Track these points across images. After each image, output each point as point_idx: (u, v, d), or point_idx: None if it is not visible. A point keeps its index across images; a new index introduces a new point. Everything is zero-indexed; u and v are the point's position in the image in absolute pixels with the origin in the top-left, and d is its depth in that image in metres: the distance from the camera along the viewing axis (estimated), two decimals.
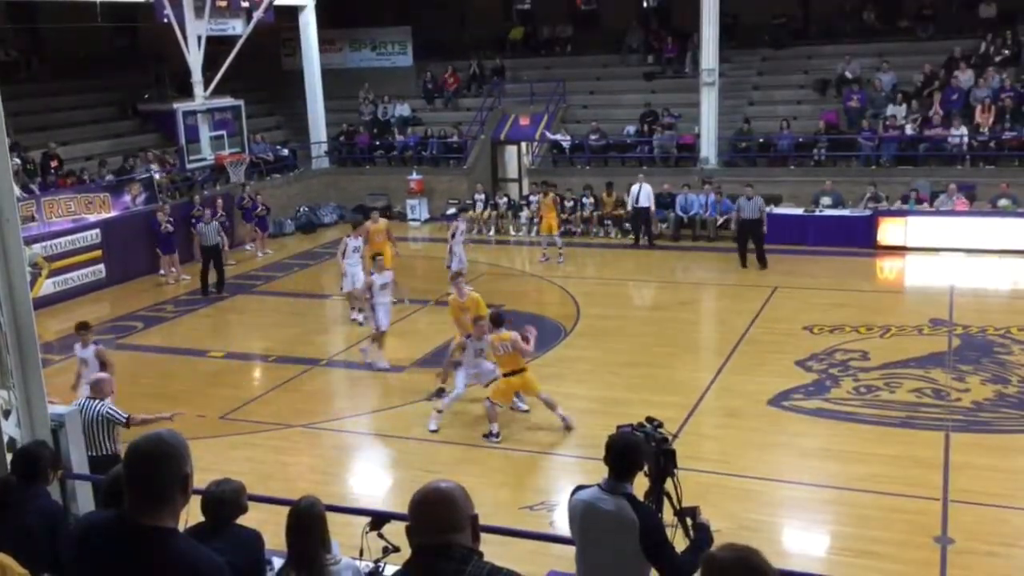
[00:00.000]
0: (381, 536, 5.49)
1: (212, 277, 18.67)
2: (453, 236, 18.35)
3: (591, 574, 5.22)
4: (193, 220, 21.04)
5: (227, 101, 22.36)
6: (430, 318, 16.72)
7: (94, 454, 8.42)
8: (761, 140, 23.66)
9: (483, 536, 3.16)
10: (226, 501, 5.11)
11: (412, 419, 12.25)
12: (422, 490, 3.09)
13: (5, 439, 6.38)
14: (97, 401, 8.84)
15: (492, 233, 23.87)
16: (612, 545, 5.00)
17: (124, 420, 8.82)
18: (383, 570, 5.52)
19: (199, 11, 20.75)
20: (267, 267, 21.35)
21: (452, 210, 24.73)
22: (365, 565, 5.50)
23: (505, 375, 11.47)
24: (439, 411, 11.88)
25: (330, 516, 5.16)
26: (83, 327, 11.35)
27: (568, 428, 11.36)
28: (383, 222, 18.09)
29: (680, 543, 5.10)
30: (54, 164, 21.08)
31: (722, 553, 2.91)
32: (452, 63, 28.57)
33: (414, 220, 25.52)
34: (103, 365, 11.03)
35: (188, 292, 18.96)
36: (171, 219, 20.04)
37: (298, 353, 15.00)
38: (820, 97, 24.48)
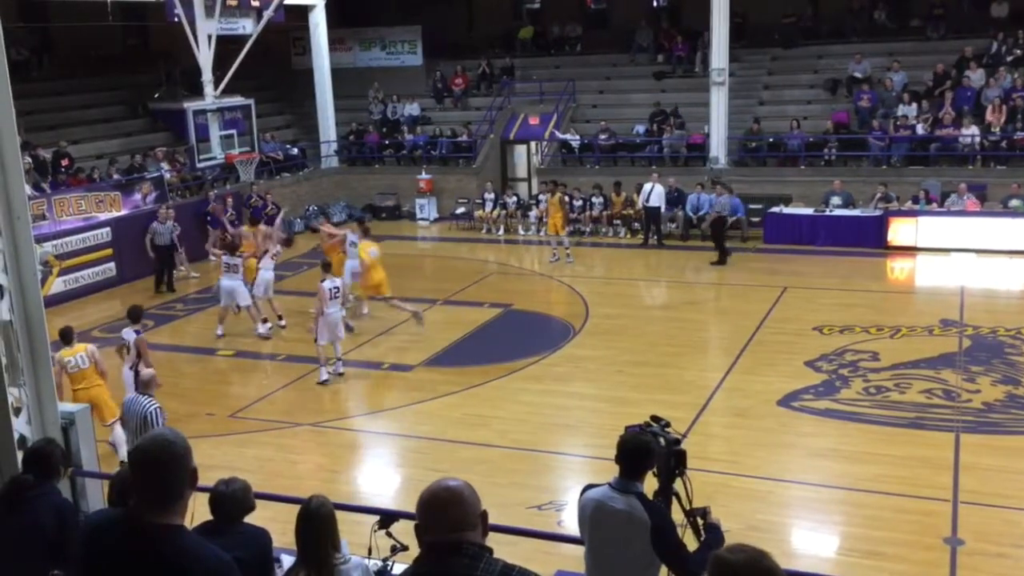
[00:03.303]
0: (390, 535, 5.50)
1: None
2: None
3: (601, 573, 5.22)
4: (207, 217, 21.15)
5: (237, 100, 22.44)
6: (437, 317, 16.73)
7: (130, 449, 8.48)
8: (771, 140, 23.59)
9: (491, 535, 3.16)
10: (234, 499, 5.13)
11: (420, 418, 12.27)
12: (431, 488, 3.09)
13: (16, 436, 6.41)
14: (147, 398, 8.85)
15: (501, 232, 23.87)
16: (622, 544, 5.00)
17: None
18: (392, 568, 5.53)
19: (210, 10, 20.84)
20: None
21: (461, 209, 24.79)
22: (374, 564, 5.51)
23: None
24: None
25: (339, 515, 5.17)
26: (136, 311, 11.64)
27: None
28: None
29: (690, 543, 5.10)
30: (65, 163, 21.15)
31: (732, 555, 2.90)
32: (461, 62, 28.59)
33: (423, 219, 25.53)
34: (138, 354, 11.22)
35: (197, 291, 19.01)
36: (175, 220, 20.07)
37: (307, 352, 15.00)
38: (830, 97, 24.41)
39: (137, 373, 10.88)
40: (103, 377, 10.89)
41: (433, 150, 26.61)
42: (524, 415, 12.11)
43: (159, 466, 3.08)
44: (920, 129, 22.17)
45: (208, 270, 19.80)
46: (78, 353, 10.60)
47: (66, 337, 10.78)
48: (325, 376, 13.44)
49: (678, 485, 5.26)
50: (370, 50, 29.52)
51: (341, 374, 13.66)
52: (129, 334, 11.39)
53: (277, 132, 27.36)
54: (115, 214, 19.98)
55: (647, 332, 15.53)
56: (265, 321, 16.01)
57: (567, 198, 21.82)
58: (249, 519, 5.19)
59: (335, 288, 13.47)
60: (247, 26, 22.37)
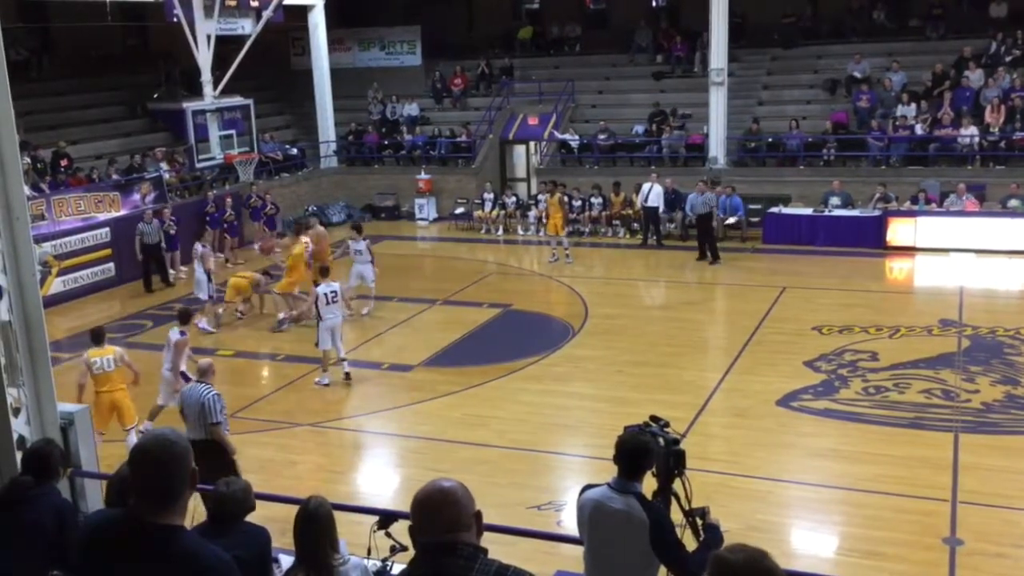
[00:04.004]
0: (389, 535, 5.50)
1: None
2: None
3: (599, 573, 5.22)
4: (207, 217, 21.19)
5: (236, 100, 22.42)
6: (437, 317, 16.75)
7: (192, 437, 8.57)
8: (770, 140, 23.59)
9: (491, 536, 3.16)
10: (235, 500, 5.13)
11: (420, 418, 12.27)
12: (425, 489, 3.09)
13: (15, 437, 6.41)
14: (204, 386, 8.93)
15: (500, 232, 23.88)
16: (621, 544, 5.00)
17: (215, 421, 8.79)
18: (391, 569, 5.53)
19: (209, 10, 20.81)
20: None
21: (460, 210, 24.78)
22: (373, 564, 5.51)
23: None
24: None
25: (338, 515, 5.18)
26: (186, 313, 12.14)
27: None
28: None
29: (689, 543, 5.10)
30: (64, 163, 21.15)
31: (732, 555, 2.90)
32: (461, 62, 28.59)
33: (422, 220, 25.51)
34: (177, 349, 11.48)
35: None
36: (174, 218, 20.10)
37: (306, 352, 15.02)
38: (830, 97, 24.42)
39: (184, 374, 11.25)
40: (135, 379, 11.01)
41: (432, 150, 26.61)
42: (523, 415, 12.11)
43: (160, 466, 3.08)
44: (919, 129, 22.18)
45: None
46: (106, 355, 10.65)
47: (96, 338, 10.87)
48: (326, 380, 13.43)
49: (677, 485, 5.25)
50: (369, 50, 29.52)
51: (347, 374, 13.49)
52: (174, 334, 11.58)
53: (276, 132, 27.36)
54: (114, 214, 19.99)
55: (646, 332, 15.54)
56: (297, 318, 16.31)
57: (566, 198, 21.81)
58: (249, 519, 5.20)
59: (332, 293, 13.30)
60: (246, 26, 22.36)
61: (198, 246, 16.58)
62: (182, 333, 11.63)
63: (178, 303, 18.20)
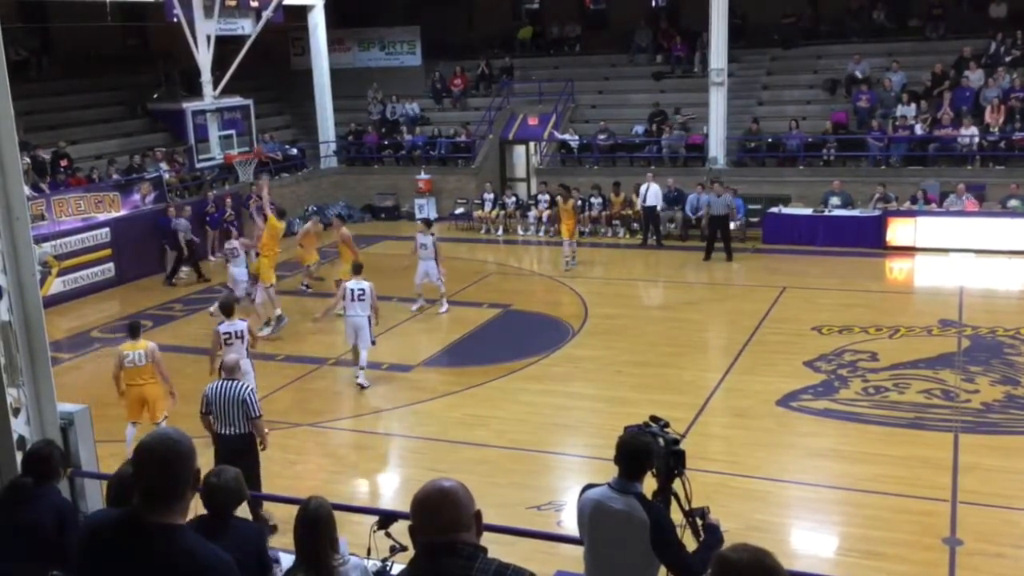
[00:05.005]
0: (388, 535, 5.50)
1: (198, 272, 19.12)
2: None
3: (600, 574, 5.22)
4: (207, 217, 21.21)
5: (236, 100, 22.42)
6: (437, 317, 16.73)
7: (227, 433, 8.78)
8: (770, 140, 23.60)
9: (491, 536, 3.16)
10: (227, 490, 5.09)
11: (420, 418, 12.28)
12: (424, 489, 3.09)
13: (15, 437, 6.41)
14: (236, 382, 8.99)
15: (500, 233, 23.87)
16: (622, 544, 5.00)
17: (258, 415, 8.90)
18: (391, 569, 5.54)
19: (209, 11, 20.82)
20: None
21: (460, 210, 24.75)
22: (373, 564, 5.51)
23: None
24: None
25: (338, 515, 5.17)
26: (229, 302, 12.09)
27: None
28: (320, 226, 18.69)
29: (689, 543, 5.10)
30: (64, 163, 21.15)
31: (735, 554, 2.90)
32: (460, 63, 28.59)
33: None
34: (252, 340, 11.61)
35: (197, 291, 19.00)
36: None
37: (306, 352, 15.04)
38: (830, 97, 24.42)
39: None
40: (165, 381, 10.97)
41: (432, 150, 26.62)
42: (523, 415, 12.11)
43: (164, 465, 3.09)
44: (919, 129, 22.19)
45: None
46: (137, 350, 10.73)
47: (132, 331, 10.96)
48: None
49: (677, 485, 5.25)
50: (369, 50, 29.53)
51: (360, 385, 13.35)
52: (239, 324, 11.52)
53: (276, 132, 27.35)
54: (114, 214, 19.97)
55: (646, 332, 15.54)
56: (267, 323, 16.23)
57: (579, 203, 21.76)
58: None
59: (360, 290, 13.16)
60: (246, 26, 22.36)
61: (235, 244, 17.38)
62: (243, 320, 11.71)
63: (178, 303, 18.34)
